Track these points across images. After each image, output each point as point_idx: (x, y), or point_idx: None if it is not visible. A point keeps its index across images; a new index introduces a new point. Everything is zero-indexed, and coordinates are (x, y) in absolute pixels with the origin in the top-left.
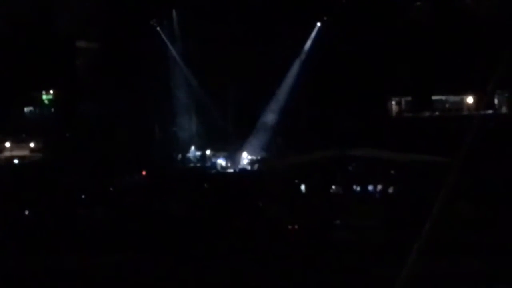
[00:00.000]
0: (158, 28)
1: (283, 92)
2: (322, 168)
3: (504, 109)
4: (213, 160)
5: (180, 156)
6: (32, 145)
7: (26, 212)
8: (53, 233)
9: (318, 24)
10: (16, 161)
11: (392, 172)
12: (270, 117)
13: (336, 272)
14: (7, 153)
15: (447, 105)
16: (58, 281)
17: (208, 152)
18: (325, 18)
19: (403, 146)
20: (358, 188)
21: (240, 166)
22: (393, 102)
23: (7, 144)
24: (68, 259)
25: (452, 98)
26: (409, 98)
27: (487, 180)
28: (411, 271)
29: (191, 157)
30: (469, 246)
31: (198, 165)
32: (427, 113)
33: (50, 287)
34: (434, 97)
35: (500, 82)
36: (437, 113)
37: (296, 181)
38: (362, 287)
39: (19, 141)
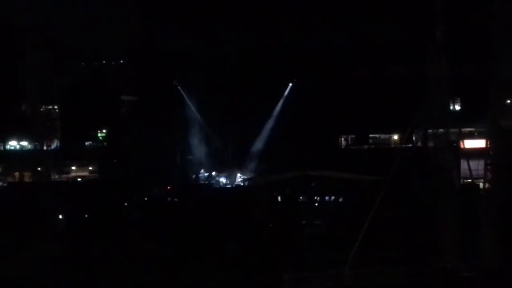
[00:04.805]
0: (178, 87)
1: (266, 131)
2: (292, 184)
3: (419, 143)
4: (216, 179)
5: (194, 176)
6: (90, 168)
7: (86, 216)
8: (105, 230)
9: (290, 84)
10: (79, 179)
11: (342, 187)
12: (256, 149)
13: (303, 252)
14: (73, 174)
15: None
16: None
17: (213, 173)
18: (295, 80)
19: (349, 169)
20: (318, 198)
21: (235, 183)
22: (342, 139)
23: (73, 168)
24: (115, 247)
25: (383, 136)
26: (353, 136)
27: (409, 192)
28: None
29: (201, 177)
30: (394, 239)
31: (206, 182)
32: (365, 146)
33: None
34: (370, 135)
35: (417, 124)
36: (372, 146)
37: (274, 193)
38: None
39: (81, 165)
